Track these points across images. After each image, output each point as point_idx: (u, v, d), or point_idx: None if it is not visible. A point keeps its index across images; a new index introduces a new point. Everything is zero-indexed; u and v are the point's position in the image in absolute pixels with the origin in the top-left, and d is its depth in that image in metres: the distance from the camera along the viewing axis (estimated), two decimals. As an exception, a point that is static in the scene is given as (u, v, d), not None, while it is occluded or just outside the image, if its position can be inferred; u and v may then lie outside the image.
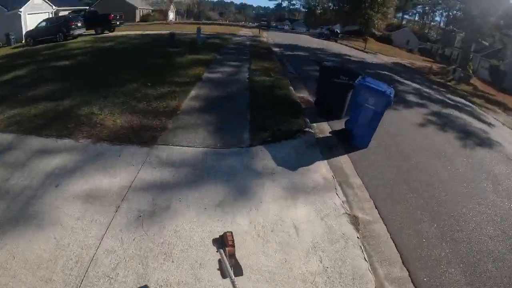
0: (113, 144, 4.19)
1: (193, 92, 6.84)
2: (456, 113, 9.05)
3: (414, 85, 12.41)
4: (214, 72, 9.01)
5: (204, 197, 3.33)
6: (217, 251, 2.01)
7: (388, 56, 23.33)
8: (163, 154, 4.07)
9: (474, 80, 18.44)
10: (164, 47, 12.37)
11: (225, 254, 1.94)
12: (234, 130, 5.05)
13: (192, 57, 10.77)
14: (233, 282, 1.68)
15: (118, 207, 3.09)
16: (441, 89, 13.13)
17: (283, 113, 5.96)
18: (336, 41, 28.92)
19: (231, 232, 2.08)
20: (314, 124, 5.91)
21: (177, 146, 4.31)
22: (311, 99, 7.60)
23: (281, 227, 3.12)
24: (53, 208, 3.04)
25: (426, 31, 57.17)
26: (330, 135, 5.67)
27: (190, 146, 4.34)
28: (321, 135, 5.53)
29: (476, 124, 8.37)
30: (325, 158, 4.65)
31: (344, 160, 4.84)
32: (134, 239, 2.77)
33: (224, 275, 1.84)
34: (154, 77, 7.53)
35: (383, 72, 13.93)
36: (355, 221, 3.41)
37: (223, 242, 2.07)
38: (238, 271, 1.95)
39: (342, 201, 3.68)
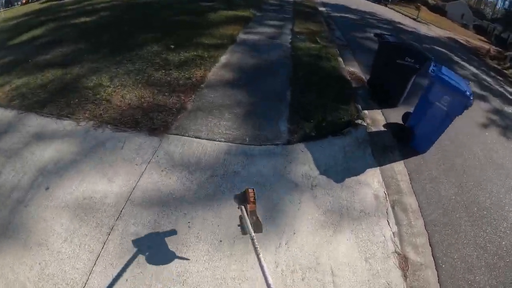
0: (117, 130, 3.45)
1: (223, 58, 5.77)
2: (518, 112, 7.16)
3: (472, 69, 10.24)
4: (251, 33, 7.68)
5: (220, 221, 2.56)
6: (238, 208, 2.02)
7: (442, 29, 19.83)
8: (175, 149, 3.27)
9: (530, 71, 15.13)
10: (197, 1, 11.01)
11: (246, 211, 1.91)
12: (269, 116, 4.07)
13: (227, 13, 9.38)
14: (252, 239, 1.65)
15: (112, 228, 2.44)
16: (499, 77, 10.78)
17: (331, 94, 4.80)
18: (386, 5, 25.72)
19: (253, 189, 2.04)
20: (366, 112, 4.72)
21: (194, 138, 3.47)
22: (363, 76, 6.20)
23: (315, 272, 2.34)
24: (41, 220, 2.50)
25: (482, 7, 48.04)
26: (384, 129, 4.51)
27: (211, 139, 3.48)
28: (374, 129, 4.39)
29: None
30: (377, 164, 3.65)
31: (399, 169, 3.80)
32: (127, 280, 2.15)
33: (244, 231, 1.88)
34: (180, 38, 6.51)
35: (439, 49, 11.58)
36: (404, 264, 2.61)
37: (245, 198, 2.03)
38: (258, 228, 1.93)
39: (393, 233, 2.83)
